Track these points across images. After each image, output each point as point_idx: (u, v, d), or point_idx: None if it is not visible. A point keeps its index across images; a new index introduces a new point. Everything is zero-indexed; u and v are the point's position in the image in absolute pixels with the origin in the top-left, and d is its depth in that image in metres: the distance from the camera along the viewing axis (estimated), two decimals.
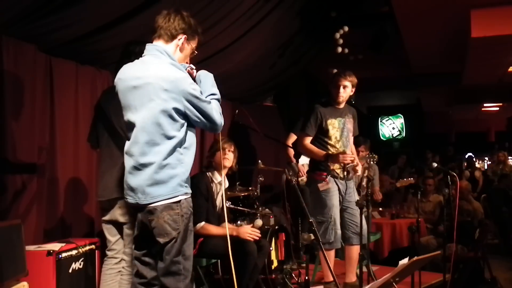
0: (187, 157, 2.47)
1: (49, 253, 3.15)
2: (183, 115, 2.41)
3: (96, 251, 3.54)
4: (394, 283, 2.68)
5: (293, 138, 4.51)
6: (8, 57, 3.29)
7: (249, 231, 3.60)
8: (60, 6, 3.18)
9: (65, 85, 3.87)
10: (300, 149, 4.08)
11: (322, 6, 6.16)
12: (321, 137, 4.08)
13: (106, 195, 3.10)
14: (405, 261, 2.73)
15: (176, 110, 2.38)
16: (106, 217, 3.16)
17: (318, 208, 4.02)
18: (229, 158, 3.81)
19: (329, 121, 4.07)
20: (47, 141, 3.70)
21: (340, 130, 4.11)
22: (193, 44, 2.59)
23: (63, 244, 3.30)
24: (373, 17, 7.16)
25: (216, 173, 3.78)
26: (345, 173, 4.05)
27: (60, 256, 3.23)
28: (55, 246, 3.24)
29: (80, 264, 3.41)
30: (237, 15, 4.72)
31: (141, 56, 2.55)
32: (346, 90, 4.08)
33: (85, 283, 3.44)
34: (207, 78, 2.58)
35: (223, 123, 2.53)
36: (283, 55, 6.32)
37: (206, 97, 2.47)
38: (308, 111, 4.15)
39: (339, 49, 6.66)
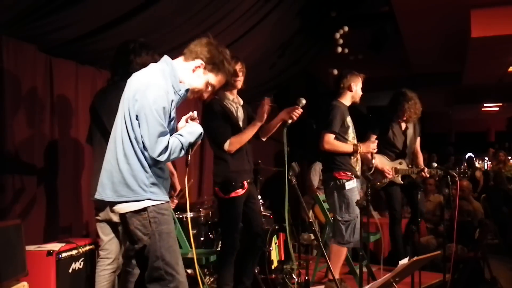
0: (153, 167, 2.38)
1: (49, 253, 3.15)
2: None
3: (96, 251, 3.53)
4: (394, 283, 2.68)
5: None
6: (8, 57, 3.29)
7: (288, 110, 3.41)
8: (60, 6, 3.18)
9: (65, 85, 3.87)
10: (327, 147, 3.98)
11: (322, 6, 6.16)
12: (342, 134, 4.06)
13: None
14: (405, 261, 2.73)
15: (135, 113, 2.32)
16: (100, 216, 3.16)
17: (344, 208, 3.97)
18: (240, 80, 3.60)
19: (348, 119, 4.09)
20: (47, 141, 3.70)
21: (352, 127, 4.14)
22: (212, 79, 2.50)
23: (63, 244, 3.30)
24: (373, 17, 7.16)
25: (226, 93, 3.60)
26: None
27: (60, 256, 3.23)
28: (55, 246, 3.24)
29: (80, 264, 3.41)
30: (237, 15, 4.73)
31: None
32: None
33: (85, 283, 3.44)
34: (192, 125, 2.48)
35: (159, 159, 2.30)
36: (283, 55, 6.32)
37: (177, 135, 2.38)
38: (328, 108, 4.09)
39: (339, 49, 6.66)
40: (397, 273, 2.65)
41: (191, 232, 2.98)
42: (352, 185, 3.96)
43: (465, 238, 5.21)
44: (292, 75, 7.35)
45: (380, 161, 4.63)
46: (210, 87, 2.52)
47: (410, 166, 4.71)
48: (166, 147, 2.30)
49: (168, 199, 2.47)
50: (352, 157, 4.04)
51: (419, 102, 4.73)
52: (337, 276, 3.99)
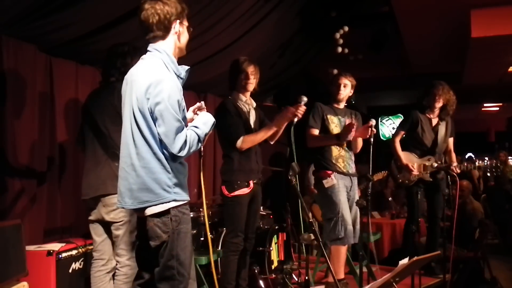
0: (173, 163, 2.33)
1: (49, 253, 3.15)
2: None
3: None
4: (394, 283, 2.68)
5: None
6: (8, 57, 3.29)
7: (293, 109, 3.41)
8: (60, 6, 3.19)
9: (65, 85, 3.87)
10: (309, 144, 4.05)
11: (322, 6, 6.16)
12: (323, 133, 4.07)
13: (90, 193, 3.10)
14: (405, 261, 2.73)
15: (150, 110, 2.26)
16: (92, 217, 3.16)
17: (326, 205, 4.01)
18: (252, 83, 3.62)
19: (328, 116, 4.09)
20: (47, 141, 3.70)
21: (339, 124, 4.11)
22: (186, 22, 2.42)
23: (63, 244, 3.31)
24: (373, 17, 7.16)
25: (240, 95, 3.63)
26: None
27: (60, 256, 3.23)
28: (55, 246, 3.24)
29: (80, 264, 3.42)
30: (237, 15, 4.73)
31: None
32: (346, 88, 4.13)
33: (85, 283, 3.43)
34: (204, 115, 2.47)
35: (180, 155, 2.26)
36: (283, 55, 6.32)
37: (193, 127, 2.35)
38: (309, 108, 4.14)
39: (339, 49, 6.66)
40: (397, 273, 2.64)
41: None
42: (331, 182, 3.96)
43: (465, 238, 5.20)
44: (292, 75, 7.35)
45: (408, 158, 4.62)
46: (188, 28, 2.45)
47: (439, 163, 4.54)
48: (185, 142, 2.25)
49: (189, 198, 2.43)
50: (332, 153, 4.03)
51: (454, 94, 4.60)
52: (342, 276, 4.00)
